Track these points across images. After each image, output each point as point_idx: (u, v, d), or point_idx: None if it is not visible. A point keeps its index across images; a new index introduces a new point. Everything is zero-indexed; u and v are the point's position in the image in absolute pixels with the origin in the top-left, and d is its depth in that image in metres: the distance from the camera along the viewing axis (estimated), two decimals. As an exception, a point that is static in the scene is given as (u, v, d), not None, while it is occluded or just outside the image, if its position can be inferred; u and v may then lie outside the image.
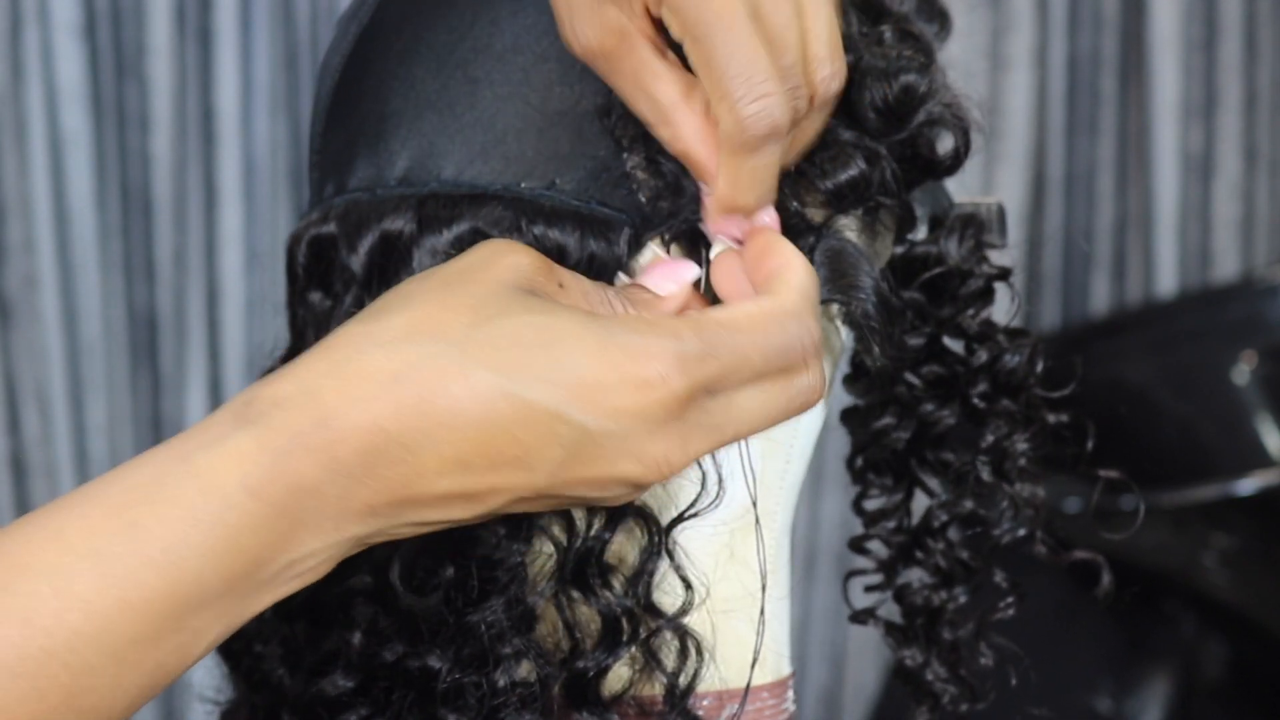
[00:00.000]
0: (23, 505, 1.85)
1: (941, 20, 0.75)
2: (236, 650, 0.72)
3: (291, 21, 1.84)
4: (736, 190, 0.61)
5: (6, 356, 1.83)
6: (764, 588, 0.68)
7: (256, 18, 1.83)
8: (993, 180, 1.87)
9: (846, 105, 0.66)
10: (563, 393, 0.54)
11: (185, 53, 1.82)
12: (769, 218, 0.63)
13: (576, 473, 0.56)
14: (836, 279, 0.65)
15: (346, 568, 0.62)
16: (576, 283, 0.61)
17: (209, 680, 0.76)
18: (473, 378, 0.54)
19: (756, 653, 0.69)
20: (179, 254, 1.85)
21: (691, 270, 0.63)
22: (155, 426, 1.88)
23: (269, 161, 1.85)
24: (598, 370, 0.55)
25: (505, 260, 0.58)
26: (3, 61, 1.78)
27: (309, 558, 0.55)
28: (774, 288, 0.60)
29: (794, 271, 0.61)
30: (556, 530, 0.64)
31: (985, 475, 0.75)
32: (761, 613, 0.68)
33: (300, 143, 1.84)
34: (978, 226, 0.73)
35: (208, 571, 0.53)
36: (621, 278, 0.65)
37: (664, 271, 0.63)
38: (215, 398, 1.87)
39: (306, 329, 0.70)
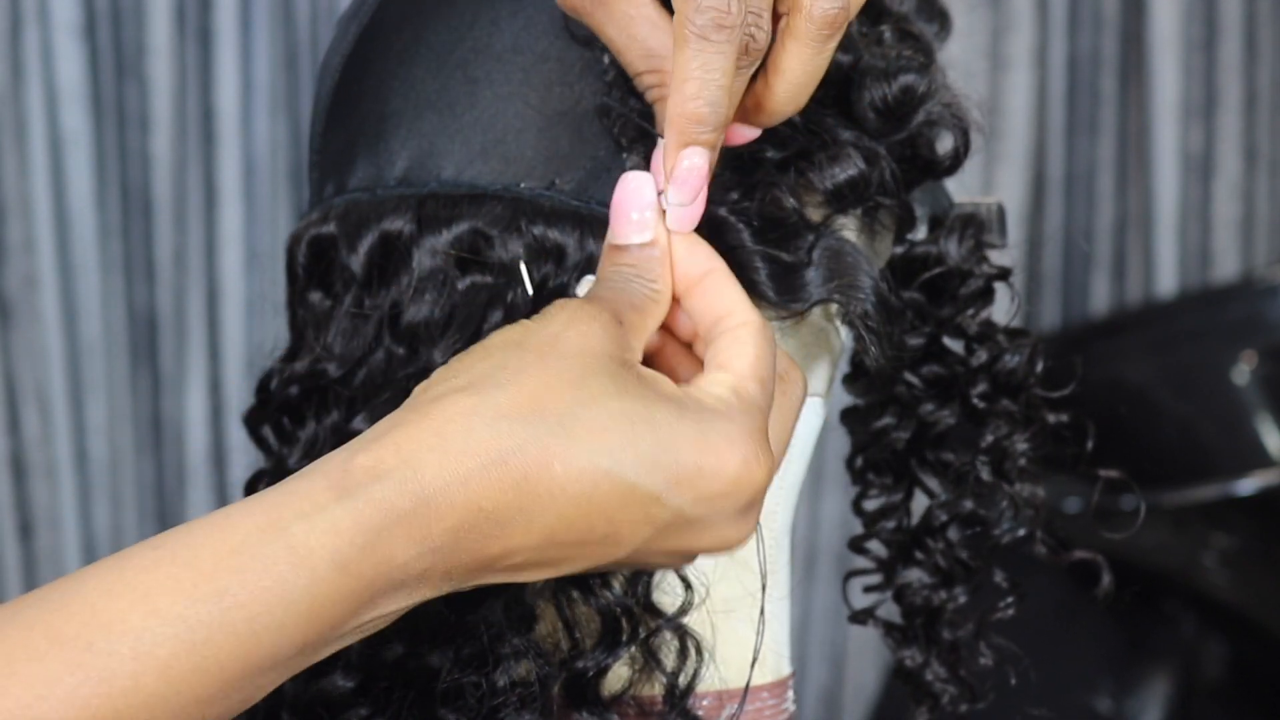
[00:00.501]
0: (23, 505, 1.85)
1: (941, 20, 0.75)
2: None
3: (291, 21, 1.84)
4: (686, 84, 0.58)
5: (6, 356, 1.83)
6: (764, 588, 0.68)
7: (256, 18, 1.83)
8: (993, 180, 1.86)
9: (846, 105, 0.66)
10: (665, 476, 0.55)
11: (185, 53, 1.82)
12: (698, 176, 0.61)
13: (659, 547, 0.57)
14: (836, 279, 0.65)
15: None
16: (629, 313, 0.59)
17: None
18: (577, 459, 0.54)
19: (756, 653, 0.69)
20: (179, 254, 1.85)
21: (647, 186, 0.61)
22: (155, 426, 1.88)
23: (269, 161, 1.85)
24: (699, 457, 0.55)
25: (587, 328, 0.57)
26: (3, 61, 1.78)
27: (379, 619, 0.56)
28: (724, 298, 0.60)
29: (724, 274, 0.60)
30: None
31: (985, 475, 0.75)
32: (761, 613, 0.68)
33: (300, 143, 1.84)
34: (978, 226, 0.73)
35: (284, 641, 0.53)
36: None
37: (628, 204, 0.61)
38: (215, 398, 1.87)
39: (306, 329, 0.70)
